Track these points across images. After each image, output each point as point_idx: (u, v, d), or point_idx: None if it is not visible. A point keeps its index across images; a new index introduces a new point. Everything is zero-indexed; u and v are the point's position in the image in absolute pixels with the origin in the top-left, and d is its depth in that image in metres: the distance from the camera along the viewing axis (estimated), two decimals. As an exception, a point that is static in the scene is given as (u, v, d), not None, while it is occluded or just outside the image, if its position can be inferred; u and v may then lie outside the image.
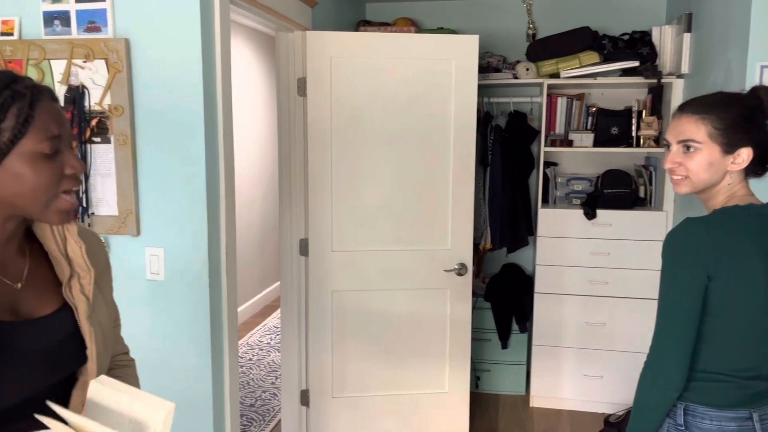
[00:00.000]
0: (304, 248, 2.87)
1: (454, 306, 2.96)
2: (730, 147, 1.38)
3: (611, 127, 3.40)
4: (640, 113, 3.35)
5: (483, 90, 3.54)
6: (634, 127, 3.36)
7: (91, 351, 1.03)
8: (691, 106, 1.44)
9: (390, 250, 2.89)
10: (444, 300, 2.96)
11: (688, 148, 1.41)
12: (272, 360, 4.22)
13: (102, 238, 1.18)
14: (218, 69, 2.02)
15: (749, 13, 2.30)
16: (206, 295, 2.03)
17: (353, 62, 2.74)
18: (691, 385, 1.44)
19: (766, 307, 1.38)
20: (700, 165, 1.40)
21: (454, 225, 2.91)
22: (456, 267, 2.92)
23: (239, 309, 5.01)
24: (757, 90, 1.42)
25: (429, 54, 2.78)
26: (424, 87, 2.80)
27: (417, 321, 2.96)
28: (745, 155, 1.38)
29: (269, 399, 3.62)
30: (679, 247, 1.39)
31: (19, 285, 1.00)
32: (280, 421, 3.11)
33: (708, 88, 2.74)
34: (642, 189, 3.43)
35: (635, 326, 3.34)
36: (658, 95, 3.28)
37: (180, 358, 2.06)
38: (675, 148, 1.44)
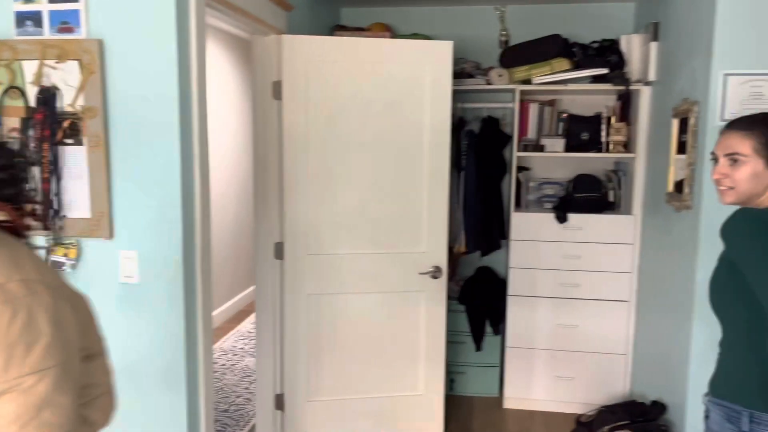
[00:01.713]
0: (279, 252, 2.86)
1: (429, 309, 2.98)
2: None
3: (582, 133, 3.47)
4: (609, 119, 3.43)
5: (457, 95, 3.58)
6: (603, 133, 3.43)
7: None
8: (737, 124, 1.56)
9: (366, 254, 2.90)
10: (419, 303, 2.98)
11: (735, 161, 1.53)
12: (246, 365, 4.19)
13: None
14: (193, 71, 2.01)
15: (713, 23, 2.37)
16: (181, 299, 2.01)
17: (329, 66, 2.75)
18: (757, 390, 1.48)
19: None
20: (746, 176, 1.52)
21: (429, 228, 2.93)
22: (431, 270, 2.94)
23: (213, 313, 4.95)
24: None
25: (404, 59, 2.81)
26: (400, 92, 2.82)
27: (392, 324, 2.97)
28: None
29: (243, 404, 3.59)
30: (750, 225, 1.45)
31: None
32: (254, 426, 3.08)
33: (674, 95, 2.82)
34: (611, 193, 3.50)
35: (606, 328, 3.40)
36: (626, 102, 3.36)
37: (154, 362, 2.04)
38: (722, 160, 1.56)
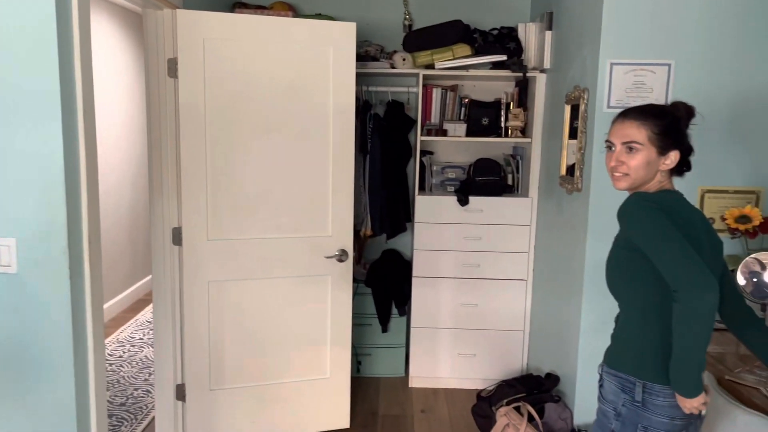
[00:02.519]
0: (177, 237, 2.74)
1: (335, 292, 2.98)
2: (663, 150, 1.61)
3: (482, 118, 3.56)
4: (508, 105, 3.54)
5: (362, 78, 3.57)
6: (502, 118, 3.54)
7: None
8: (632, 114, 1.64)
9: (269, 238, 2.84)
10: (325, 287, 2.96)
11: (631, 149, 1.62)
12: (145, 356, 4.01)
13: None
14: (76, 43, 1.86)
15: (601, 14, 2.49)
16: (67, 289, 1.88)
17: (228, 44, 2.65)
18: (651, 363, 1.58)
19: None
20: (640, 163, 1.61)
21: (334, 212, 2.92)
22: (337, 254, 2.93)
23: (109, 304, 4.70)
24: (677, 105, 1.65)
25: (307, 40, 2.75)
26: (303, 73, 2.77)
27: (298, 308, 2.94)
28: (673, 157, 1.63)
29: (142, 396, 3.44)
30: (646, 206, 1.53)
31: None
32: (154, 418, 2.96)
33: (567, 82, 2.95)
34: (510, 177, 3.63)
35: (505, 305, 3.54)
36: (524, 88, 3.48)
37: (37, 356, 1.89)
38: (620, 148, 1.64)
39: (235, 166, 2.75)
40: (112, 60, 4.74)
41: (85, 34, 1.90)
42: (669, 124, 1.61)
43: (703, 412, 1.60)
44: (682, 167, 1.67)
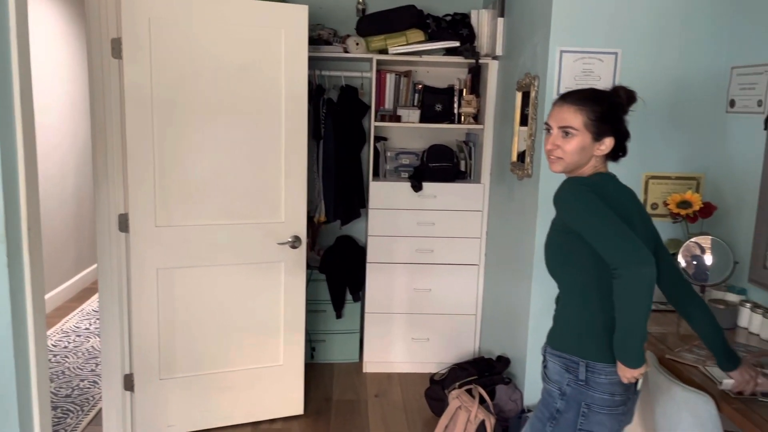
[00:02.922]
0: (123, 224, 2.66)
1: (289, 279, 2.95)
2: (598, 135, 1.64)
3: (436, 104, 3.57)
4: (461, 91, 3.56)
5: (315, 62, 3.52)
6: (456, 105, 3.56)
7: None
8: (569, 98, 1.66)
9: (221, 224, 2.79)
10: (279, 273, 2.94)
11: (567, 133, 1.64)
12: (92, 346, 3.90)
13: None
14: (12, 23, 1.77)
15: (551, 2, 2.53)
16: (5, 278, 1.79)
17: (175, 24, 2.57)
18: (593, 343, 1.61)
19: None
20: (575, 148, 1.64)
21: (287, 198, 2.88)
22: (290, 240, 2.90)
23: (53, 293, 4.54)
24: (617, 90, 1.67)
25: (258, 21, 2.69)
26: (254, 55, 2.72)
27: (250, 296, 2.90)
28: (608, 143, 1.65)
29: (89, 388, 3.35)
30: (580, 190, 1.56)
31: None
32: (101, 409, 2.88)
33: (518, 69, 2.98)
34: (463, 163, 3.67)
35: (457, 291, 3.58)
36: (476, 75, 3.51)
37: (-27, 350, 1.81)
38: (556, 132, 1.66)
39: (185, 150, 2.68)
40: (53, 40, 4.54)
41: (21, 12, 1.81)
42: (606, 110, 1.63)
43: (639, 384, 1.66)
44: (617, 152, 1.69)
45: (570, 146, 1.63)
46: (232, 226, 2.81)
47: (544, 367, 1.76)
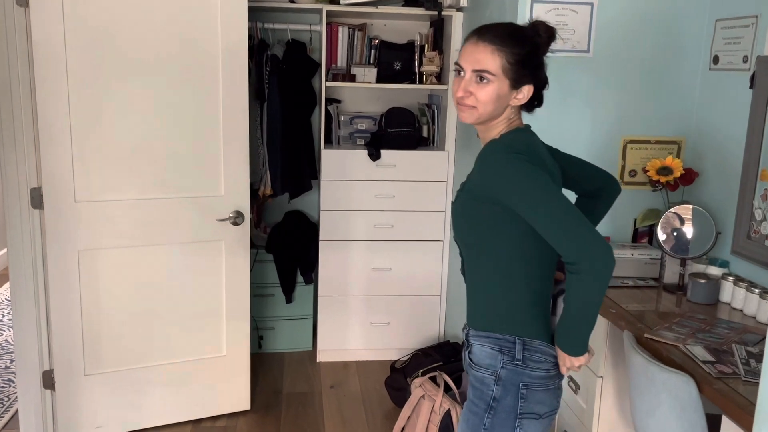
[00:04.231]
0: (37, 200, 2.57)
1: (231, 260, 2.91)
2: (517, 83, 1.55)
3: (394, 62, 3.53)
4: (422, 48, 3.52)
5: (256, 14, 3.42)
6: (416, 63, 3.52)
7: None
8: (487, 36, 1.54)
9: (152, 199, 2.72)
10: (219, 254, 2.89)
11: (481, 78, 1.53)
12: (5, 340, 3.78)
13: None
14: None
15: (521, -54, 2.50)
16: None
17: (91, -33, 2.45)
18: (526, 319, 1.60)
19: None
20: (491, 97, 1.54)
21: (227, 168, 2.82)
22: (231, 216, 2.85)
23: (-43, 282, 4.36)
24: (537, 26, 1.57)
25: (189, -35, 2.59)
26: (185, 6, 2.62)
27: (188, 279, 2.85)
28: (526, 92, 1.58)
29: (3, 386, 3.25)
30: (517, 160, 1.49)
31: None
32: (18, 410, 2.80)
33: (485, 22, 2.94)
34: (425, 128, 3.65)
35: (420, 269, 3.59)
36: (439, 29, 3.47)
37: None
38: (469, 75, 1.55)
39: (107, 114, 2.58)
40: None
41: None
42: (528, 53, 1.54)
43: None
44: (533, 102, 1.63)
45: (485, 94, 1.53)
46: (164, 200, 2.74)
47: (469, 352, 1.69)
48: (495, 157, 1.53)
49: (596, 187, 1.83)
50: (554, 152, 1.74)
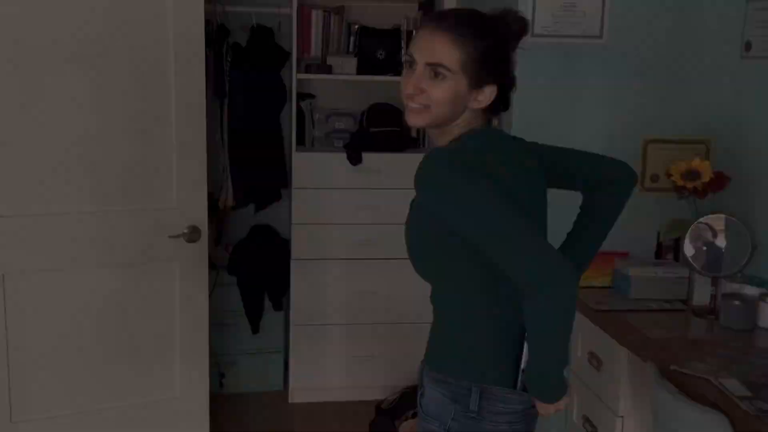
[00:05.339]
0: (-51, 214, 2.54)
1: (185, 283, 2.90)
2: (477, 82, 1.49)
3: (377, 51, 3.55)
4: (410, 34, 3.53)
5: (215, -5, 3.43)
6: (403, 51, 3.53)
7: None
8: (445, 23, 1.49)
9: (89, 212, 2.71)
10: (171, 276, 2.88)
11: (436, 74, 1.47)
12: None
13: None
14: None
15: None
16: None
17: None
18: (486, 362, 1.55)
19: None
20: (446, 96, 1.48)
21: (180, 176, 2.82)
22: (185, 231, 2.83)
23: None
24: (507, 16, 1.52)
25: (133, -63, 2.59)
26: (129, -16, 2.62)
27: (133, 307, 2.84)
28: (488, 93, 1.52)
29: None
30: (459, 173, 1.43)
31: None
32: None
33: (480, 3, 2.96)
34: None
35: (409, 292, 3.54)
36: (429, 11, 3.47)
37: None
38: (421, 69, 1.49)
39: (33, 113, 2.56)
40: None
41: None
42: (493, 47, 1.49)
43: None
44: (498, 104, 1.57)
45: (440, 92, 1.47)
46: (103, 213, 2.72)
47: (420, 395, 1.66)
48: (430, 167, 1.46)
49: (600, 178, 1.76)
50: (534, 147, 1.69)
